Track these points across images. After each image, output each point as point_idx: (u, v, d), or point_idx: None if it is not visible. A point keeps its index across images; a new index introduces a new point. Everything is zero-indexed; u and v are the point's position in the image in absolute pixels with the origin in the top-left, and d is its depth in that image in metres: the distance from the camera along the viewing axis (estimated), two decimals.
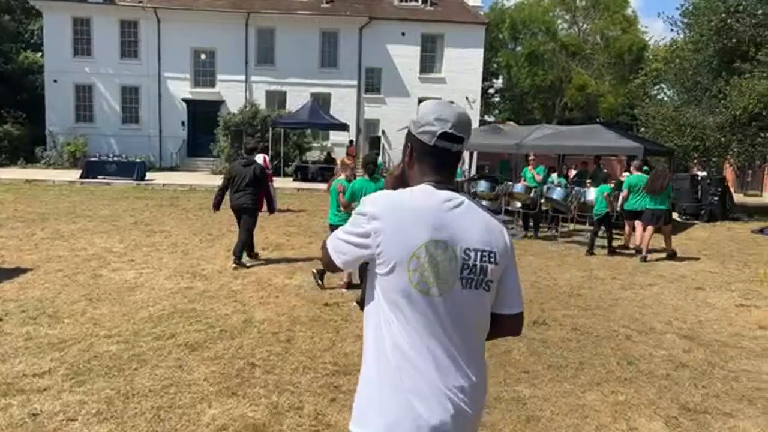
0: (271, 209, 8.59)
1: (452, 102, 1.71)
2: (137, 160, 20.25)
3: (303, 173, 22.28)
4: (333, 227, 5.71)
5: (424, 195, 1.55)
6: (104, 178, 19.35)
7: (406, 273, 1.47)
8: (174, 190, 18.28)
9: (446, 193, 1.57)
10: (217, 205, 7.83)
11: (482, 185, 11.52)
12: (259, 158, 15.43)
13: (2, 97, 29.66)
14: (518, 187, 10.92)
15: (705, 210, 14.85)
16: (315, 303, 5.89)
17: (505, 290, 1.65)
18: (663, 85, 21.18)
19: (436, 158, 1.61)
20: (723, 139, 15.27)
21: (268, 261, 7.97)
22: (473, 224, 1.56)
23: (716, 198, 14.97)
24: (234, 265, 7.40)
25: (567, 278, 7.65)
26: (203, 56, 27.36)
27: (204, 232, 10.30)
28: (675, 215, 15.14)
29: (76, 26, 26.85)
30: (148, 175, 21.30)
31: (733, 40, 15.21)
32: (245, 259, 7.70)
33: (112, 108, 27.49)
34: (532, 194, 10.77)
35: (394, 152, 28.21)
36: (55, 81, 26.86)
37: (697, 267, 8.81)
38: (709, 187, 15.15)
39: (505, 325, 1.68)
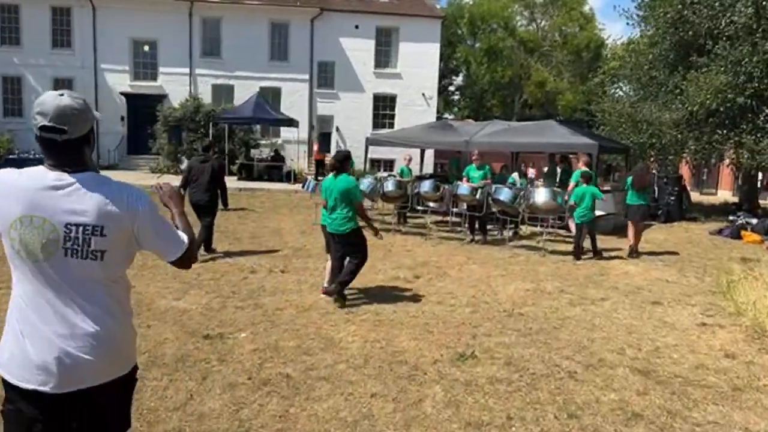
0: (225, 204, 8.75)
1: (61, 94, 1.79)
2: None
3: (248, 172, 20.95)
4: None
5: (29, 175, 1.78)
6: None
7: (8, 240, 1.75)
8: None
9: (56, 174, 1.76)
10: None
11: (425, 185, 10.54)
12: None
13: None
14: (463, 188, 9.98)
15: (662, 210, 14.26)
16: (193, 335, 4.76)
17: (155, 244, 1.91)
18: (621, 84, 20.71)
19: (45, 147, 1.78)
20: (680, 137, 14.72)
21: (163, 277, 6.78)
22: (80, 203, 1.75)
23: (673, 198, 14.40)
24: (208, 256, 7.86)
25: (510, 292, 6.71)
26: (146, 48, 25.70)
27: None
28: None
29: (2, 13, 24.81)
30: None
31: (690, 33, 14.66)
32: (201, 252, 7.73)
33: None
34: (478, 195, 9.84)
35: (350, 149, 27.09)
36: None
37: (654, 275, 8.01)
38: (666, 187, 14.58)
39: (176, 266, 2.01)
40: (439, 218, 12.35)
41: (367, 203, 11.77)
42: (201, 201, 7.88)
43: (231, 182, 18.71)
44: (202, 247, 7.82)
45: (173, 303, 5.67)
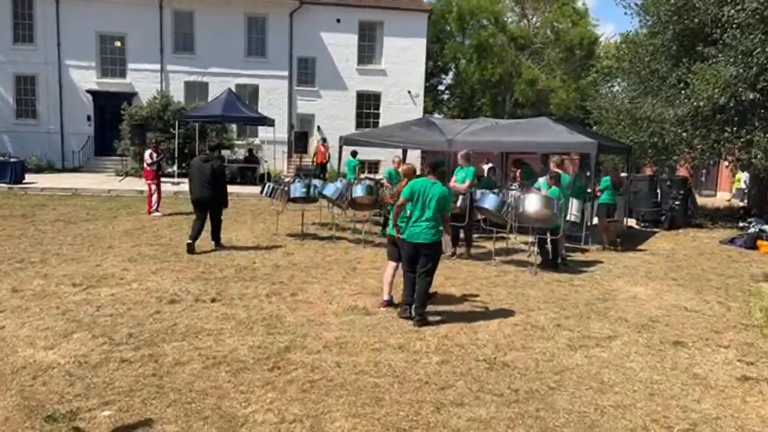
0: (225, 204, 8.70)
1: None
2: (11, 159, 17.01)
3: None
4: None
5: None
6: None
7: None
8: (49, 196, 15.21)
9: None
10: None
11: (359, 190, 9.11)
12: (146, 155, 12.76)
13: None
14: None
15: (666, 216, 12.91)
16: (32, 415, 3.31)
17: None
18: (615, 83, 19.45)
19: None
20: (684, 135, 13.37)
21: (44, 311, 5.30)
22: None
23: (677, 202, 13.06)
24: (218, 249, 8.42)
25: (492, 329, 5.29)
26: (117, 43, 24.12)
27: (16, 258, 7.50)
28: (633, 222, 13.18)
29: None
30: (32, 177, 18.13)
31: (695, 21, 13.31)
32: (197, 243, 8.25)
33: (5, 100, 23.88)
34: (459, 202, 8.43)
35: (331, 151, 25.64)
36: None
37: (669, 301, 6.63)
38: (670, 190, 13.23)
39: None
40: None
41: (335, 211, 10.36)
42: (201, 197, 8.35)
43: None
44: (190, 241, 8.22)
45: (39, 354, 4.22)
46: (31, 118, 24.20)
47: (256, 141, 24.27)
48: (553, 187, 8.21)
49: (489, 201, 8.11)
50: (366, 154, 24.50)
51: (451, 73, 41.09)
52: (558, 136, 10.61)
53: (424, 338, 4.95)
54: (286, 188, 9.78)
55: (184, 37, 24.64)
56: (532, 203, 7.69)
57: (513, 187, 12.02)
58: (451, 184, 8.80)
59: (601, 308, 6.19)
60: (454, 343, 4.89)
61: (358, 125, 25.64)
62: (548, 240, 8.07)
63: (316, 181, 10.06)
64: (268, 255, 8.38)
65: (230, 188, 17.27)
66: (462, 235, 8.91)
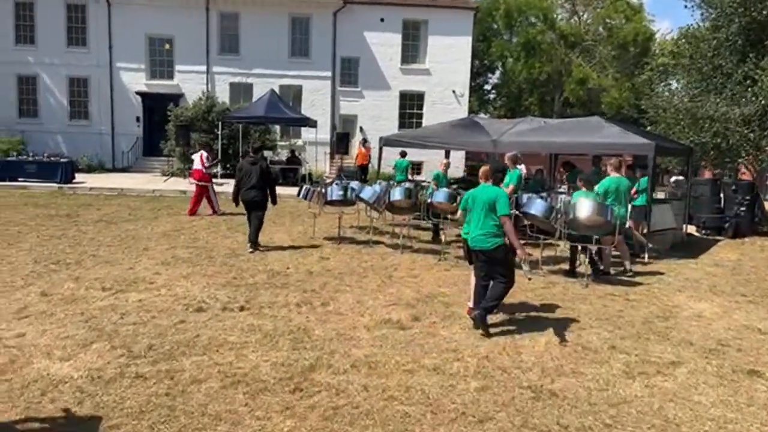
0: (274, 201, 8.85)
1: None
2: (62, 159, 17.45)
3: None
4: None
5: None
6: (24, 180, 16.62)
7: None
8: (96, 195, 15.50)
9: None
10: (235, 200, 8.80)
11: (440, 194, 8.66)
12: (197, 156, 12.80)
13: None
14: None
15: (730, 223, 11.96)
16: None
17: None
18: (673, 80, 18.33)
19: None
20: (751, 135, 12.39)
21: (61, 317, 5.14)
22: None
23: (743, 208, 12.08)
24: (250, 250, 8.45)
25: (538, 350, 4.80)
26: (167, 46, 24.57)
27: (53, 259, 7.47)
28: (692, 229, 12.28)
29: (18, 11, 24.10)
30: (81, 177, 18.58)
31: (764, 13, 12.32)
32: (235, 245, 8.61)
33: (59, 102, 24.72)
34: None
35: (373, 152, 25.38)
36: None
37: (739, 320, 5.95)
38: (735, 195, 12.25)
39: None
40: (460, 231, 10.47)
41: (373, 214, 10.01)
42: (251, 198, 8.53)
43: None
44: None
45: (54, 367, 4.01)
46: (84, 119, 24.95)
47: (299, 142, 24.28)
48: (582, 190, 7.71)
49: (536, 206, 7.57)
50: (409, 155, 24.17)
51: (497, 72, 40.23)
52: (611, 136, 9.92)
53: (462, 359, 4.51)
54: (323, 191, 9.50)
55: (230, 39, 24.88)
56: (585, 209, 7.10)
57: (561, 190, 11.41)
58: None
59: (661, 328, 5.59)
60: (495, 365, 4.43)
61: (401, 126, 25.28)
62: (592, 248, 7.46)
63: (354, 184, 9.74)
64: (303, 259, 8.10)
65: None
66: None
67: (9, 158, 17.44)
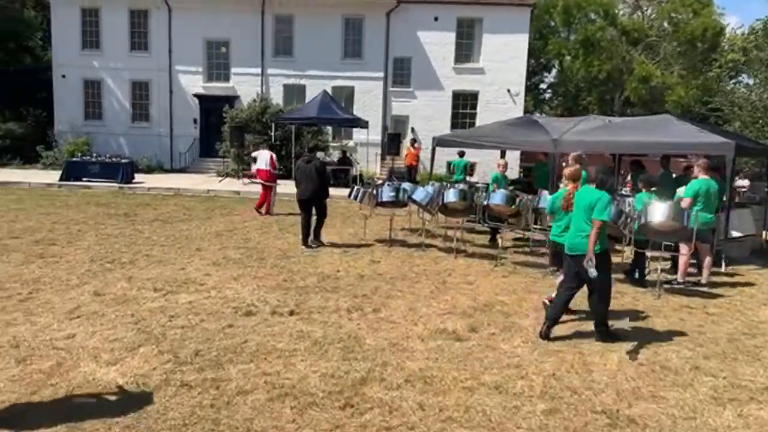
0: (326, 195, 9.12)
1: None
2: (123, 160, 17.98)
3: None
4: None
5: None
6: (88, 180, 17.22)
7: None
8: (154, 195, 15.85)
9: None
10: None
11: (497, 197, 8.24)
12: (265, 155, 12.89)
13: (20, 93, 28.57)
14: (545, 200, 7.61)
15: None
16: None
17: None
18: (742, 77, 17.14)
19: None
20: None
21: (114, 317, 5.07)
22: None
23: None
24: (315, 245, 8.83)
25: (611, 369, 4.35)
26: (222, 49, 25.05)
27: (108, 258, 7.54)
28: None
29: (84, 17, 25.14)
30: (141, 177, 19.10)
31: None
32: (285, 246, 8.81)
33: (122, 105, 25.63)
34: None
35: (425, 153, 25.03)
36: (63, 76, 25.28)
37: None
38: None
39: None
40: (520, 235, 10.01)
41: (425, 216, 9.69)
42: (305, 197, 8.86)
43: (293, 187, 17.37)
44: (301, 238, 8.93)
45: (100, 371, 3.91)
46: (145, 122, 25.75)
47: (350, 143, 24.20)
48: (643, 192, 7.16)
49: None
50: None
51: (554, 71, 39.06)
52: (684, 135, 9.22)
53: (526, 376, 4.14)
54: (374, 192, 9.25)
55: (284, 41, 25.09)
56: (659, 213, 6.54)
57: (624, 193, 10.74)
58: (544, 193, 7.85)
59: (749, 346, 5.01)
60: (563, 385, 4.03)
61: (454, 126, 24.81)
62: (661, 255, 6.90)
63: (405, 185, 9.44)
64: (353, 262, 7.87)
65: None
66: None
67: (74, 159, 18.12)
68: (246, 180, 19.37)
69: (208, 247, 8.65)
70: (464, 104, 25.29)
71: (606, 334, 5.03)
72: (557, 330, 5.21)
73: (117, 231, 9.74)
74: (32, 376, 3.79)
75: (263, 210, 12.42)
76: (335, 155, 22.62)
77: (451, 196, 8.39)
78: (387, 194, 9.12)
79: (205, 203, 14.30)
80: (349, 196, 9.78)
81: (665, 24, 34.54)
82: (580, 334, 5.19)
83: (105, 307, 5.41)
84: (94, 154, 18.81)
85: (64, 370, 3.90)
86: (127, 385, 3.71)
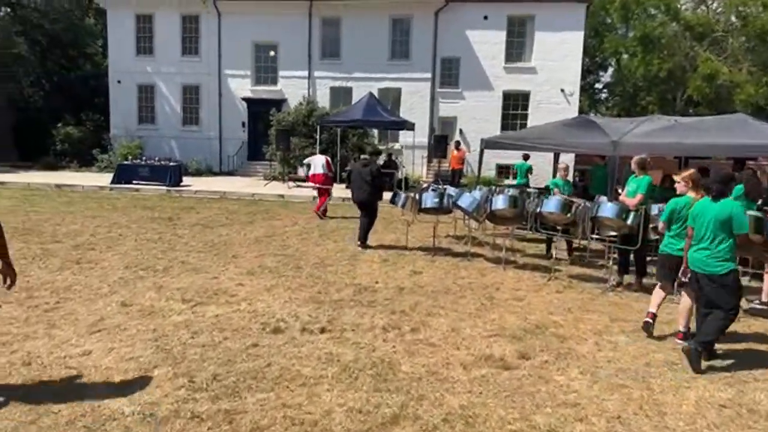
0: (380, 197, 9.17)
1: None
2: (171, 163, 18.18)
3: None
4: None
5: None
6: (137, 183, 17.49)
7: None
8: (199, 198, 15.88)
9: None
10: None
11: (551, 203, 7.57)
12: (320, 160, 12.78)
13: (79, 99, 29.66)
14: (608, 209, 6.91)
15: None
16: None
17: None
18: None
19: None
20: None
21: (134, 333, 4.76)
22: None
23: None
24: (360, 248, 8.87)
25: (688, 410, 3.69)
26: (272, 53, 25.13)
27: (143, 265, 7.35)
28: None
29: (138, 23, 25.77)
30: (189, 180, 19.30)
31: None
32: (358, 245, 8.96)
33: (173, 108, 26.13)
34: (630, 220, 6.73)
35: (473, 156, 24.32)
36: (119, 82, 26.00)
37: None
38: None
39: None
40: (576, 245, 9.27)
41: (471, 223, 9.11)
42: (361, 199, 9.03)
43: (338, 191, 17.05)
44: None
45: (107, 397, 3.58)
46: (195, 125, 26.15)
47: (396, 146, 23.76)
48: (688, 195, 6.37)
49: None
50: (511, 158, 22.86)
51: (610, 70, 37.45)
52: (763, 136, 8.28)
53: (586, 419, 3.54)
54: (417, 197, 8.75)
55: (331, 44, 24.93)
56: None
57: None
58: (621, 197, 7.12)
59: None
60: (630, 430, 3.41)
61: (504, 127, 23.98)
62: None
63: (451, 190, 8.90)
64: (393, 273, 7.40)
65: None
66: (629, 261, 7.20)
67: (125, 162, 18.47)
68: (291, 184, 19.25)
69: (245, 254, 8.37)
70: (515, 105, 24.41)
71: (699, 356, 4.43)
72: (621, 359, 4.57)
73: (157, 236, 9.63)
74: (37, 401, 3.49)
75: (320, 213, 12.52)
76: (380, 158, 22.23)
77: (499, 202, 7.79)
78: (431, 200, 8.61)
79: (248, 207, 14.17)
80: (392, 201, 9.31)
81: (733, 18, 32.42)
82: (648, 364, 4.54)
83: (129, 319, 5.14)
84: (144, 158, 19.12)
85: (71, 394, 3.59)
86: (134, 416, 3.36)
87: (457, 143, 21.28)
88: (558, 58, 23.70)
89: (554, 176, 14.88)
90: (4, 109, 26.98)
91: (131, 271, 7.05)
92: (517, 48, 24.22)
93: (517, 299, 6.34)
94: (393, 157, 21.08)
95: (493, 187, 9.88)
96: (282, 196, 16.50)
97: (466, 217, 9.08)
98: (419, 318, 5.50)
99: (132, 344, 4.52)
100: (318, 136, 19.45)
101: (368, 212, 9.08)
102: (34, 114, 30.06)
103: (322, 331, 5.03)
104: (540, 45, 23.84)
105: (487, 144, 11.63)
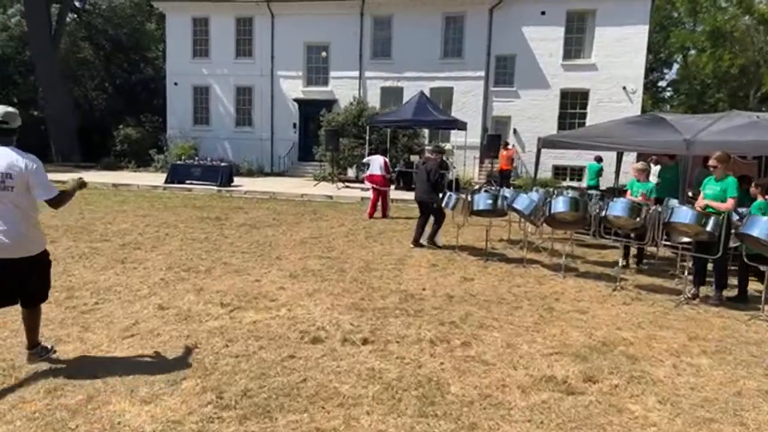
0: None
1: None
2: (222, 164, 18.32)
3: (406, 180, 18.70)
4: None
5: None
6: (190, 183, 17.71)
7: None
8: (248, 198, 15.88)
9: None
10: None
11: (617, 206, 6.91)
12: (378, 160, 12.59)
13: (139, 101, 30.66)
14: (684, 214, 6.21)
15: None
16: None
17: (35, 188, 3.57)
18: None
19: None
20: None
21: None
22: (1, 162, 3.49)
23: None
24: (430, 247, 8.80)
25: None
26: (324, 54, 25.10)
27: (185, 266, 7.20)
28: None
29: (195, 26, 26.30)
30: (240, 180, 19.42)
31: None
32: (424, 241, 8.94)
33: (227, 110, 26.51)
34: (709, 225, 6.02)
35: (527, 156, 23.48)
36: (176, 84, 26.61)
37: None
38: None
39: (49, 205, 3.67)
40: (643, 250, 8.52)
41: (527, 227, 8.53)
42: (419, 199, 9.09)
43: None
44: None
45: (129, 413, 3.30)
46: (248, 126, 26.45)
47: (448, 146, 23.16)
48: (761, 200, 5.63)
49: (762, 226, 5.55)
50: (569, 158, 21.90)
51: (675, 67, 35.55)
52: None
53: None
54: (469, 199, 8.25)
55: (382, 43, 24.66)
56: None
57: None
58: (701, 201, 6.40)
59: None
60: None
61: (561, 127, 23.03)
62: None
63: (506, 192, 8.35)
64: (443, 279, 6.94)
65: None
66: (705, 270, 6.46)
67: (178, 162, 18.75)
68: (340, 184, 19.05)
69: (290, 255, 8.11)
70: (573, 103, 23.39)
71: None
72: (705, 386, 3.95)
73: (203, 235, 9.53)
74: (54, 413, 3.26)
75: (381, 213, 12.45)
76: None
77: (560, 205, 7.18)
78: (483, 202, 8.10)
79: (296, 208, 14.01)
80: (442, 204, 8.85)
81: None
82: (738, 393, 3.90)
83: (164, 324, 4.91)
84: (196, 158, 19.37)
85: (91, 408, 3.33)
86: None
87: (506, 142, 20.56)
88: (620, 54, 22.56)
89: (618, 177, 13.98)
90: (70, 112, 28.13)
91: (173, 272, 6.89)
92: (576, 44, 23.21)
93: (580, 312, 5.76)
94: (444, 158, 20.45)
95: (551, 189, 9.25)
96: (330, 196, 16.29)
97: (522, 220, 8.51)
98: (470, 331, 5.02)
99: (164, 351, 4.27)
100: (367, 137, 19.13)
101: (425, 212, 8.97)
102: (98, 116, 31.31)
103: (365, 342, 4.64)
104: (601, 40, 22.75)
105: (545, 143, 10.98)
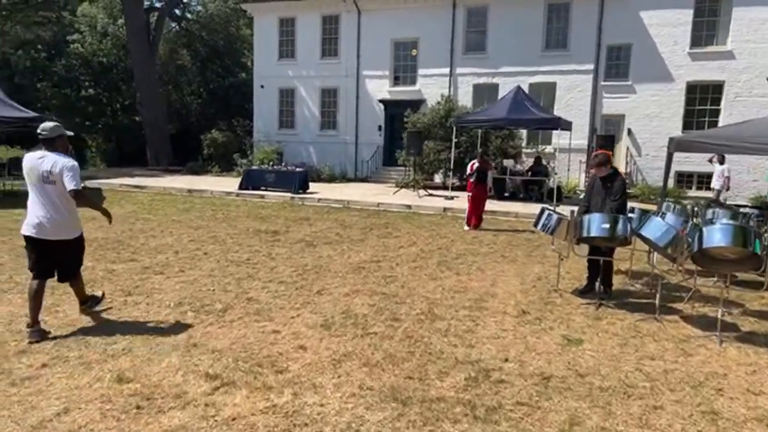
0: None
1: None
2: (297, 169, 17.07)
3: (498, 187, 16.40)
4: None
5: (32, 153, 4.49)
6: (264, 190, 16.65)
7: (26, 177, 4.48)
8: (320, 208, 14.43)
9: (40, 153, 4.45)
10: None
11: (717, 235, 4.42)
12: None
13: (231, 106, 30.71)
14: None
15: None
16: None
17: (65, 183, 4.38)
18: None
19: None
20: None
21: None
22: (47, 163, 4.40)
23: None
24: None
25: None
26: (414, 51, 23.38)
27: (199, 302, 5.66)
28: None
29: (282, 27, 25.56)
30: (317, 187, 18.11)
31: None
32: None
33: (312, 112, 25.52)
34: None
35: (644, 160, 20.22)
36: (262, 86, 26.05)
37: None
38: None
39: (72, 197, 4.47)
40: None
41: (656, 258, 6.16)
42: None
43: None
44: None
45: None
46: (332, 129, 25.29)
47: (549, 148, 20.50)
48: None
49: None
50: (694, 163, 18.52)
51: None
52: None
53: None
54: (577, 220, 6.00)
55: (476, 36, 22.43)
56: None
57: None
58: None
59: None
60: None
61: (687, 126, 19.59)
62: None
63: (633, 213, 6.03)
64: (535, 339, 4.83)
65: (510, 206, 14.04)
66: None
67: (252, 168, 17.81)
68: (422, 192, 17.16)
69: (335, 289, 6.36)
70: (702, 99, 19.81)
71: None
72: None
73: (246, 255, 8.05)
74: None
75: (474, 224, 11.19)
76: (528, 163, 19.20)
77: (717, 237, 4.78)
78: (598, 225, 5.82)
79: (367, 219, 12.31)
80: (536, 224, 6.61)
81: None
82: None
83: (102, 417, 3.29)
84: (271, 163, 18.34)
85: None
86: None
87: (601, 145, 17.57)
88: (764, 39, 18.73)
89: None
90: (165, 117, 28.60)
91: (179, 311, 5.37)
92: (708, 29, 19.64)
93: (753, 409, 3.44)
94: (543, 162, 17.91)
95: (695, 208, 6.74)
96: (409, 206, 14.45)
97: (652, 250, 6.15)
98: None
99: None
100: (454, 139, 17.08)
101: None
102: (193, 121, 31.78)
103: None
104: (739, 24, 19.05)
105: (678, 145, 8.41)
